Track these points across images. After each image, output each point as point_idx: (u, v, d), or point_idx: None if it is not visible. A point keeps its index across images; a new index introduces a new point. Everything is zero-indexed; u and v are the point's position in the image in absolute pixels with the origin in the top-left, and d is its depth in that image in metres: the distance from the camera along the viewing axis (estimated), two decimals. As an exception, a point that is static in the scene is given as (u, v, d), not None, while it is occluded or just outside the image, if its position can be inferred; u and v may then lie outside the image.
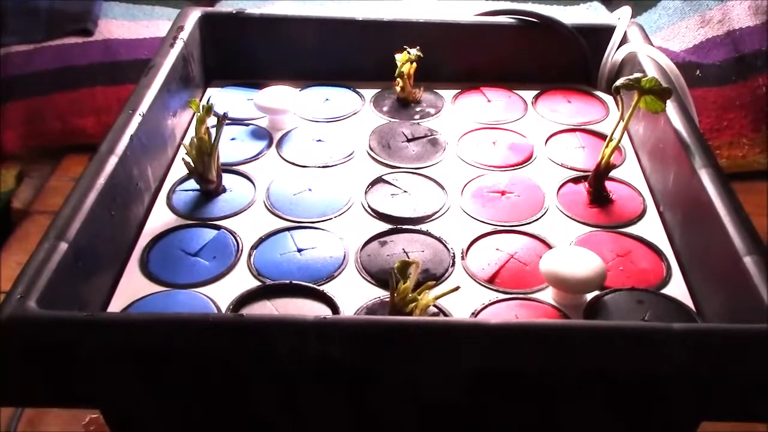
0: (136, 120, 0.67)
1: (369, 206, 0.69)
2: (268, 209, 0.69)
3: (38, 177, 1.05)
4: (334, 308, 0.60)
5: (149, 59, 0.76)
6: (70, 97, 1.07)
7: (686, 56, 1.07)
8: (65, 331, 0.50)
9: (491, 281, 0.63)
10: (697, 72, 1.05)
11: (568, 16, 0.87)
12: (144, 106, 0.69)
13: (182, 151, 0.72)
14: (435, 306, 0.59)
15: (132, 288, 0.61)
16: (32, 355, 0.50)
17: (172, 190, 0.71)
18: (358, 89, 0.85)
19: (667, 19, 1.12)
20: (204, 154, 0.68)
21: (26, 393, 0.52)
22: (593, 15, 1.15)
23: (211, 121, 0.70)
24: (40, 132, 1.07)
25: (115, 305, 0.60)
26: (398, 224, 0.68)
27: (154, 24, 1.14)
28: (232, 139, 0.77)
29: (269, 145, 0.77)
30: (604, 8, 1.19)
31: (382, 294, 0.61)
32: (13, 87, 1.06)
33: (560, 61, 0.85)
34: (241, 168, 0.74)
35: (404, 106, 0.82)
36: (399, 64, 0.80)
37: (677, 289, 0.62)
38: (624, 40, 0.82)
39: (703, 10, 1.11)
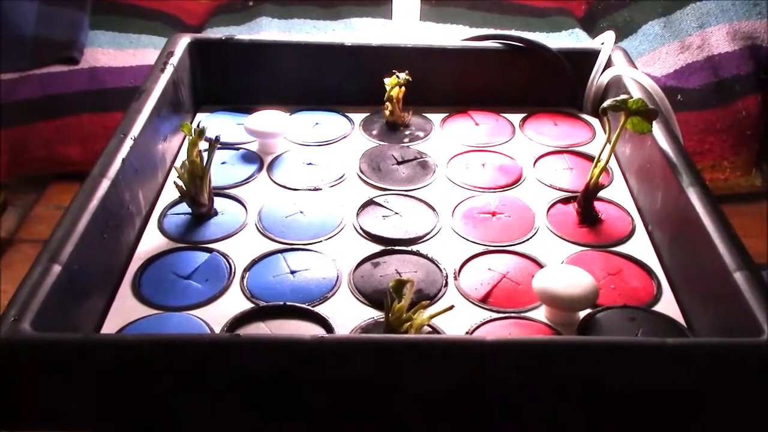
0: (128, 144, 0.67)
1: (361, 228, 0.70)
2: (260, 232, 0.69)
3: (23, 205, 1.04)
4: (329, 329, 0.60)
5: (135, 87, 0.77)
6: (55, 125, 1.07)
7: (667, 81, 1.08)
8: (60, 354, 0.50)
9: (484, 300, 0.63)
10: (678, 96, 1.07)
11: (552, 42, 0.88)
12: (135, 130, 0.69)
13: (173, 175, 0.72)
14: (429, 326, 0.59)
15: (125, 311, 0.61)
16: (26, 377, 0.50)
17: (163, 214, 0.71)
18: (347, 113, 0.85)
19: (648, 45, 1.14)
20: (196, 177, 0.69)
21: (20, 416, 0.51)
22: (576, 42, 1.17)
23: (202, 145, 0.70)
24: (25, 160, 1.06)
25: (108, 328, 0.59)
26: (390, 245, 0.68)
27: (141, 53, 1.15)
28: (223, 163, 0.78)
29: (260, 169, 0.77)
30: (586, 35, 1.21)
31: (376, 314, 0.61)
32: (-2, 115, 1.06)
33: (546, 84, 0.86)
34: (232, 191, 0.74)
35: (393, 129, 0.83)
36: (388, 88, 0.81)
37: (668, 305, 0.63)
38: (608, 64, 0.84)
39: (683, 36, 1.13)
